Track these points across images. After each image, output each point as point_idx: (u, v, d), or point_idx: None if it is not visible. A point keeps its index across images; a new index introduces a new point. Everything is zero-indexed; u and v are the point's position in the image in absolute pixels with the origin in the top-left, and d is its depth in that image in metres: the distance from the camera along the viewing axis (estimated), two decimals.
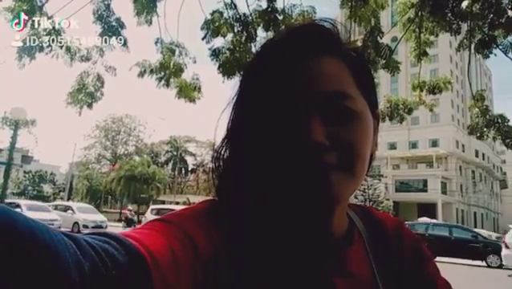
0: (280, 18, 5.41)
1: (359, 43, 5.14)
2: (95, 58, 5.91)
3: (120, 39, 5.72)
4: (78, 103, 5.81)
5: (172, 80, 6.03)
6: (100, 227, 17.53)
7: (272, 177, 0.47)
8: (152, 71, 5.98)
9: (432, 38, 6.31)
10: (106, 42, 5.72)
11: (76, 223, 17.80)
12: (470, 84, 7.05)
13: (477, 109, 6.39)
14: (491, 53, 5.70)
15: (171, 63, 5.97)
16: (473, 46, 5.88)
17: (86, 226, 17.28)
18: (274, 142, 0.46)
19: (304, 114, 0.46)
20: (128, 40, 5.83)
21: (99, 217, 19.14)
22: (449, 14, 5.38)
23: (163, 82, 6.00)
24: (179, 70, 6.03)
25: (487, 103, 6.74)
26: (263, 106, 0.47)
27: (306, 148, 0.44)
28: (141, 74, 6.02)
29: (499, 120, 6.08)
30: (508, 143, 5.95)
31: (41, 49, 5.35)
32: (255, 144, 0.48)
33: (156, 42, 6.16)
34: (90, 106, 5.91)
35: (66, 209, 19.37)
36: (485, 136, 6.23)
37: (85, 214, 18.56)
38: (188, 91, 6.05)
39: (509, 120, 6.17)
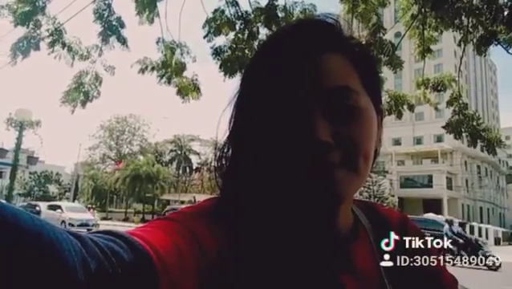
0: (281, 15, 5.40)
1: (363, 40, 5.11)
2: (95, 57, 5.94)
3: (120, 38, 5.74)
4: (72, 102, 5.84)
5: (174, 78, 6.04)
6: (86, 225, 18.06)
7: (276, 176, 0.47)
8: (153, 69, 5.99)
9: (435, 34, 6.27)
10: (105, 41, 5.74)
11: (63, 222, 18.31)
12: (458, 78, 6.97)
13: (455, 107, 6.37)
14: (487, 50, 5.72)
15: (173, 61, 5.98)
16: (472, 43, 5.87)
17: (71, 225, 17.78)
18: (279, 141, 0.46)
19: (308, 111, 0.45)
20: (132, 40, 5.86)
21: (86, 216, 19.70)
22: (450, 10, 5.34)
23: (164, 79, 6.01)
24: (181, 68, 6.04)
25: (492, 98, 6.67)
26: (267, 104, 0.47)
27: (311, 146, 0.44)
28: (142, 70, 6.03)
29: (473, 118, 6.10)
30: (477, 142, 5.97)
31: (37, 48, 5.38)
32: (259, 142, 0.48)
33: (157, 42, 6.17)
34: (84, 104, 5.93)
35: (56, 208, 19.95)
36: (462, 134, 6.20)
37: (73, 213, 19.06)
38: (188, 91, 6.06)
39: (480, 118, 6.18)
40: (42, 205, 20.96)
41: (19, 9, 5.12)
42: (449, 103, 6.50)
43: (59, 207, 19.89)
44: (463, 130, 6.09)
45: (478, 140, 5.96)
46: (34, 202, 24.30)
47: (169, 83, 6.02)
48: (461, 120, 6.12)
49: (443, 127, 6.48)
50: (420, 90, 6.72)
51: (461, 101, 6.42)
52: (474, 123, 6.00)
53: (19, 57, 5.38)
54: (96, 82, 5.98)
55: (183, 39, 6.46)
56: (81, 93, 5.84)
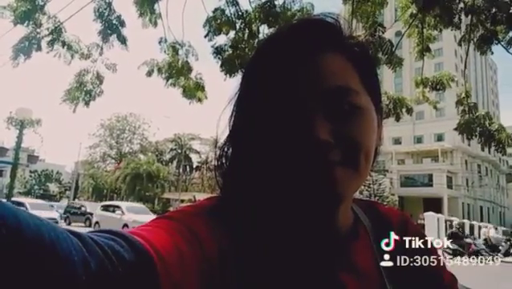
0: (279, 11, 5.38)
1: (362, 39, 5.09)
2: (95, 56, 5.93)
3: (120, 37, 5.73)
4: (74, 101, 5.83)
5: (181, 79, 6.04)
6: None
7: (276, 175, 0.47)
8: (159, 71, 5.99)
9: (435, 33, 6.25)
10: (105, 39, 5.74)
11: (126, 225, 15.51)
12: (465, 79, 6.95)
13: (464, 107, 6.34)
14: (490, 49, 5.69)
15: (179, 62, 5.98)
16: (472, 43, 5.84)
17: None
18: (279, 140, 0.46)
19: (309, 111, 0.45)
20: (134, 39, 5.85)
21: (152, 218, 17.97)
22: (444, 9, 5.32)
23: (171, 81, 6.01)
24: (187, 69, 6.04)
25: (493, 97, 6.68)
26: (267, 103, 0.47)
27: (312, 146, 0.44)
28: (149, 73, 6.04)
29: (484, 118, 6.06)
30: (490, 144, 5.92)
31: (38, 48, 5.37)
32: (259, 141, 0.48)
33: (159, 42, 6.16)
34: (87, 104, 5.92)
35: (114, 209, 17.75)
36: (474, 135, 6.15)
37: (136, 215, 16.49)
38: (193, 91, 6.06)
39: (491, 118, 6.13)
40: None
41: (19, 7, 5.12)
42: (459, 103, 6.48)
43: (118, 207, 17.38)
44: (474, 130, 6.04)
45: (490, 141, 5.89)
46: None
47: (174, 85, 6.02)
48: (471, 120, 6.09)
49: (455, 129, 6.45)
50: (419, 89, 6.72)
51: (469, 100, 6.40)
52: (486, 123, 5.96)
53: (21, 58, 5.37)
54: (98, 81, 5.98)
55: (184, 38, 6.45)
56: (82, 92, 5.83)
